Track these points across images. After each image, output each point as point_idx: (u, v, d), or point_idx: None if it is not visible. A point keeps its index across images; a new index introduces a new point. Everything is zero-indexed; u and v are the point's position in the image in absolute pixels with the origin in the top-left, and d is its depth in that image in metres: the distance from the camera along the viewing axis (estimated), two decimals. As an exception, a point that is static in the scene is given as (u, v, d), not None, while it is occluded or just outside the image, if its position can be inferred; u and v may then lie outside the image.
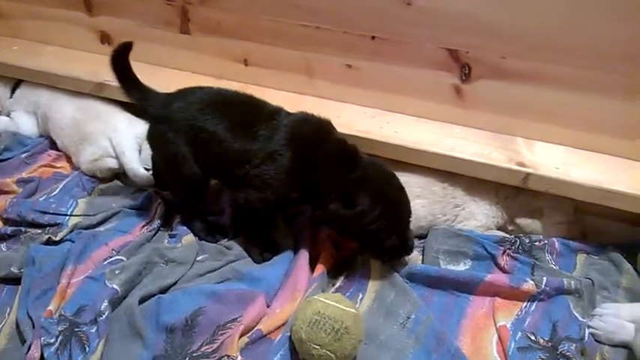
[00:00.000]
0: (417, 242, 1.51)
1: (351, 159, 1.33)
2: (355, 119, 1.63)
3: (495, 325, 1.30)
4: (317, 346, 1.11)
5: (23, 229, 1.49)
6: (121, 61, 1.40)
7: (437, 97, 1.61)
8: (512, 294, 1.35)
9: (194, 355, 1.17)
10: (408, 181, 1.49)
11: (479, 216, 1.56)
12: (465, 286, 1.38)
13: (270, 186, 1.32)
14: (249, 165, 1.33)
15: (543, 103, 1.51)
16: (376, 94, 1.67)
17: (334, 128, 1.40)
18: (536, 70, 1.47)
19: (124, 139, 1.69)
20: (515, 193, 1.56)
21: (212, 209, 1.60)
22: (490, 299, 1.37)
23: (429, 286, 1.38)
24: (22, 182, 1.68)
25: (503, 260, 1.46)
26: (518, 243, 1.49)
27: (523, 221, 1.56)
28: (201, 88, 1.44)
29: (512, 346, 1.24)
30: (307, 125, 1.37)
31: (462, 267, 1.47)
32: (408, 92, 1.63)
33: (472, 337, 1.28)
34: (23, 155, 1.81)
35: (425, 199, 1.53)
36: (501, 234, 1.55)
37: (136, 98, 1.44)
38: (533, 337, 1.27)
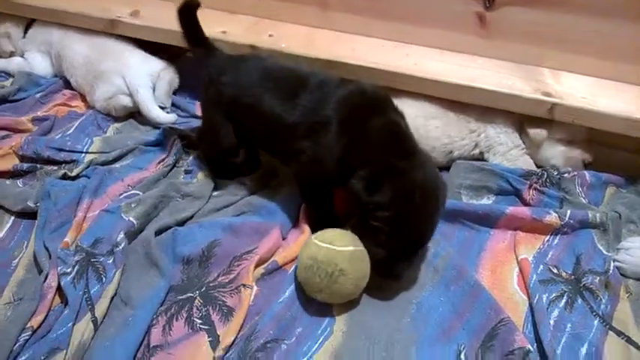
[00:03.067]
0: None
1: (405, 147, 1.16)
2: (372, 51, 1.58)
3: (516, 258, 1.27)
4: (316, 291, 1.09)
5: (39, 165, 1.49)
6: (188, 14, 1.37)
7: (459, 27, 1.54)
8: (535, 227, 1.31)
9: (210, 284, 1.17)
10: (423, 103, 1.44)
11: (501, 137, 1.51)
12: (486, 220, 1.34)
13: (314, 160, 1.21)
14: (293, 138, 1.23)
15: (571, 32, 1.45)
16: (394, 26, 1.61)
17: (393, 106, 1.24)
18: (564, -4, 1.40)
19: (138, 77, 1.67)
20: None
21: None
22: (512, 233, 1.33)
23: (449, 220, 1.35)
24: (37, 121, 1.67)
25: (530, 195, 1.41)
26: (545, 176, 1.43)
27: (530, 129, 1.49)
28: (251, 59, 1.39)
29: (534, 278, 1.21)
30: (359, 98, 1.23)
31: (485, 202, 1.43)
32: (428, 22, 1.57)
33: (492, 270, 1.25)
34: (38, 95, 1.80)
35: (439, 120, 1.49)
36: (529, 167, 1.49)
37: (198, 55, 1.41)
38: (555, 270, 1.24)
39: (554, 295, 1.19)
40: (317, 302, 1.12)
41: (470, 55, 1.56)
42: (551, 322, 1.13)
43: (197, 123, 1.65)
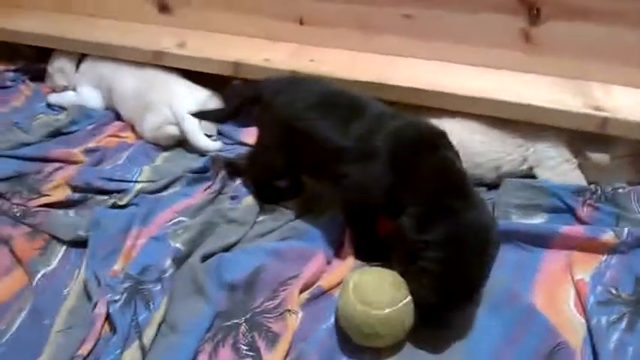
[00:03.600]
0: (485, 195, 1.44)
1: (460, 186, 1.11)
2: (415, 72, 1.57)
3: (572, 279, 1.21)
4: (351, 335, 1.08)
5: (90, 195, 1.53)
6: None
7: (503, 44, 1.52)
8: (591, 246, 1.26)
9: (256, 310, 1.16)
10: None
11: (550, 152, 1.46)
12: (539, 240, 1.29)
13: (359, 187, 1.20)
14: (341, 163, 1.21)
15: (620, 44, 1.41)
16: (437, 45, 1.60)
17: (448, 143, 1.19)
18: (611, 8, 1.36)
19: (184, 106, 1.70)
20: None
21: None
22: (567, 253, 1.28)
23: (501, 240, 1.29)
24: (89, 152, 1.72)
25: (584, 212, 1.36)
26: (599, 192, 1.38)
27: (591, 154, 1.44)
28: (308, 82, 1.40)
29: (592, 300, 1.15)
30: (412, 132, 1.20)
31: (537, 221, 1.38)
32: (471, 41, 1.55)
33: (547, 292, 1.20)
34: (90, 127, 1.85)
35: (484, 136, 1.46)
36: (581, 183, 1.44)
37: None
38: (614, 291, 1.18)
39: (614, 316, 1.12)
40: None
41: (516, 72, 1.53)
42: (612, 345, 1.06)
43: (242, 150, 1.68)
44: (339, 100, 1.31)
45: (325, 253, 1.28)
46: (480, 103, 1.45)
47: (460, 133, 1.44)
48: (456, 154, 1.19)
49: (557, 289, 1.20)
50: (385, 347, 1.07)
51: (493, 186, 1.48)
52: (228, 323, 1.14)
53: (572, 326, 1.12)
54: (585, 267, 1.24)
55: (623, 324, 1.11)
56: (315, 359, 1.06)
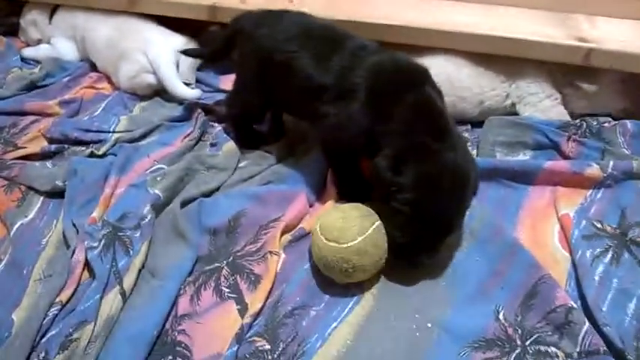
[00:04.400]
0: (469, 135, 1.41)
1: (438, 126, 1.05)
2: (396, 9, 1.52)
3: (557, 214, 1.20)
4: (337, 281, 1.06)
5: (66, 146, 1.49)
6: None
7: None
8: (576, 181, 1.25)
9: (238, 254, 1.15)
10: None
11: (532, 87, 1.44)
12: (523, 176, 1.27)
13: (338, 129, 1.15)
14: (320, 101, 1.17)
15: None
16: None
17: (430, 81, 1.13)
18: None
19: (160, 54, 1.65)
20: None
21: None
22: (551, 189, 1.26)
23: (483, 179, 1.24)
24: (64, 104, 1.68)
25: (569, 147, 1.34)
26: (585, 126, 1.36)
27: (580, 83, 1.41)
28: (290, 15, 1.34)
29: (576, 234, 1.15)
30: (392, 67, 1.14)
31: (521, 158, 1.36)
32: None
33: (531, 228, 1.19)
34: (65, 79, 1.80)
35: (469, 69, 1.43)
36: (565, 118, 1.42)
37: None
38: (599, 225, 1.17)
39: (598, 250, 1.12)
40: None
41: (500, 5, 1.48)
42: (596, 278, 1.07)
43: (221, 97, 1.64)
44: (321, 34, 1.26)
45: (307, 195, 1.26)
46: (461, 38, 1.41)
47: (447, 67, 1.43)
48: (439, 92, 1.14)
49: (542, 225, 1.19)
50: (370, 278, 1.06)
51: (477, 124, 1.46)
52: (210, 267, 1.13)
53: (556, 261, 1.11)
54: (570, 202, 1.22)
55: (608, 257, 1.11)
56: (297, 299, 1.05)
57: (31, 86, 1.78)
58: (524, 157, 1.36)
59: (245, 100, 1.38)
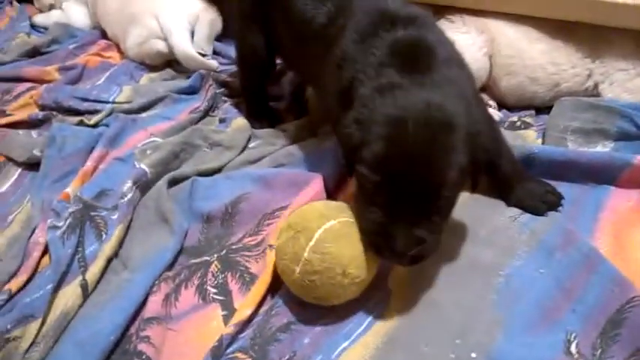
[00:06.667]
0: (533, 121, 1.16)
1: (415, 61, 0.83)
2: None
3: (649, 222, 0.94)
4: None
5: (55, 114, 1.31)
6: None
7: None
8: (673, 181, 0.98)
9: (233, 247, 0.93)
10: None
11: (621, 63, 1.21)
12: (603, 174, 1.01)
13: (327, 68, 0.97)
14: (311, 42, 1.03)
15: None
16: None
17: (430, 26, 0.94)
18: None
19: (173, 18, 1.47)
20: None
21: (271, 94, 1.33)
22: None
23: (554, 174, 1.03)
24: (64, 70, 1.51)
25: (664, 139, 1.07)
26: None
27: None
28: None
29: (673, 247, 0.88)
30: (381, 10, 0.94)
31: (601, 149, 1.10)
32: None
33: (614, 237, 0.93)
34: (71, 46, 1.65)
35: (545, 44, 1.22)
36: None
37: None
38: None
39: None
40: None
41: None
42: None
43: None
44: None
45: (325, 178, 1.01)
46: (533, 2, 1.20)
47: (516, 40, 1.26)
48: (442, 37, 0.92)
49: (628, 233, 0.93)
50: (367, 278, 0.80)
51: (544, 109, 1.23)
52: (196, 261, 0.92)
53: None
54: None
55: None
56: (298, 310, 0.82)
57: (35, 52, 1.64)
58: (603, 148, 1.10)
59: (249, 54, 1.21)
